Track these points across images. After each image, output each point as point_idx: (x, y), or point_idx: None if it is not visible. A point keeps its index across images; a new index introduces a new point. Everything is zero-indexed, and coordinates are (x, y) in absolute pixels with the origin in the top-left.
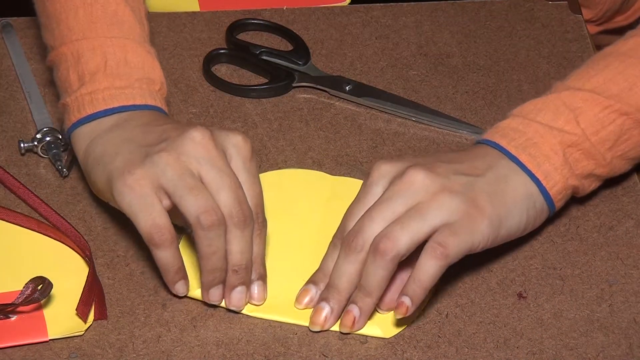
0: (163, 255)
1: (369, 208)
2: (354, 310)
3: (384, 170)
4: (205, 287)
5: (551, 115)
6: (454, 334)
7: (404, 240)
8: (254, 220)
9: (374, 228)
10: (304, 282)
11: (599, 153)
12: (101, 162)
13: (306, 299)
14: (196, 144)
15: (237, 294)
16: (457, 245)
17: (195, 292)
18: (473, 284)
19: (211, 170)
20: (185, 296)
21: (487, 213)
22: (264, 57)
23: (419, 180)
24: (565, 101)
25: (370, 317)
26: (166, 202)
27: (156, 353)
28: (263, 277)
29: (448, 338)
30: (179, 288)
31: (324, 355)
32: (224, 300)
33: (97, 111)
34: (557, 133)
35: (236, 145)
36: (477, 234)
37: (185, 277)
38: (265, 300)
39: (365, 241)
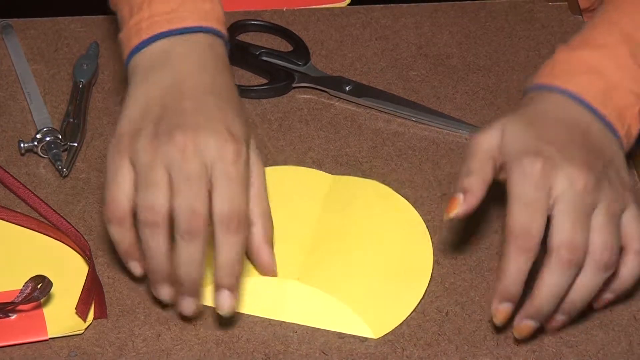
0: (112, 231)
1: (574, 217)
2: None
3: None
4: (151, 282)
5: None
6: (454, 331)
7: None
8: (224, 225)
9: (586, 238)
10: (298, 279)
11: None
12: (122, 108)
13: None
14: (175, 145)
15: (185, 302)
16: None
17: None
18: (473, 282)
19: (178, 174)
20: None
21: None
22: (264, 58)
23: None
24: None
25: (363, 315)
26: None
27: (156, 351)
28: (231, 287)
29: (448, 336)
30: (131, 268)
31: (324, 354)
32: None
33: (141, 41)
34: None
35: (217, 148)
36: None
37: (138, 258)
38: (232, 311)
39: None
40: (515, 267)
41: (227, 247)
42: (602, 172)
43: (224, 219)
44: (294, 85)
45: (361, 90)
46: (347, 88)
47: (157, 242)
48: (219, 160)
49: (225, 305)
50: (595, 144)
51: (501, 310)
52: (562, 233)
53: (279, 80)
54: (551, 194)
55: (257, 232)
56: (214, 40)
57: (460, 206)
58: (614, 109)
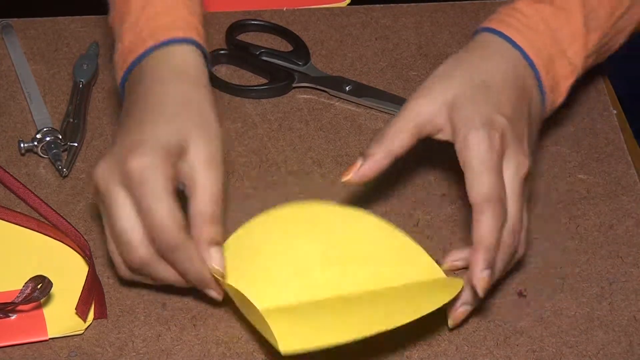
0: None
1: (519, 204)
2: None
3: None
4: None
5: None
6: (454, 332)
7: None
8: (155, 245)
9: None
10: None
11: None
12: None
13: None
14: (97, 180)
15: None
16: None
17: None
18: None
19: (102, 209)
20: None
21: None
22: (264, 58)
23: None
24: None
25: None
26: None
27: (156, 352)
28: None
29: (448, 336)
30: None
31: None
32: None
33: (123, 72)
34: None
35: (137, 169)
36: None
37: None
38: (222, 266)
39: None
40: (496, 233)
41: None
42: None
43: (150, 237)
44: (294, 85)
45: (361, 90)
46: (347, 88)
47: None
48: (127, 178)
49: None
50: (532, 115)
51: (486, 279)
52: (510, 219)
53: (279, 80)
54: None
55: (199, 235)
56: (182, 48)
57: (356, 172)
58: (552, 78)
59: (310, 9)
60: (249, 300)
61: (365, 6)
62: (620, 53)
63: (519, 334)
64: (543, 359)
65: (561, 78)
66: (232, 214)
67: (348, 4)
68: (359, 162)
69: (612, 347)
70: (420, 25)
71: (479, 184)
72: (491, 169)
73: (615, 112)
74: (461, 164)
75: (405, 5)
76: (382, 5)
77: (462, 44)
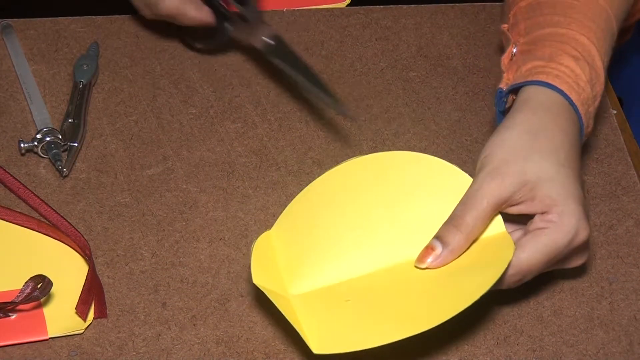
0: None
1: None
2: None
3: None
4: None
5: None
6: (454, 331)
7: None
8: None
9: None
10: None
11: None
12: None
13: None
14: None
15: None
16: None
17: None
18: None
19: None
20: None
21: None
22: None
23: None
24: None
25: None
26: None
27: (156, 351)
28: None
29: (448, 334)
30: None
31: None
32: None
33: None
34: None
35: None
36: None
37: None
38: None
39: None
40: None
41: None
42: None
43: None
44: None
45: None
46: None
47: None
48: None
49: None
50: None
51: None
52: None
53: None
54: None
55: None
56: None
57: (436, 259)
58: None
59: (310, 9)
60: (277, 295)
61: (365, 7)
62: (620, 53)
63: (519, 333)
64: (543, 358)
65: (587, 136)
66: (232, 214)
67: (348, 5)
68: (437, 248)
69: (612, 347)
70: (420, 26)
71: (532, 257)
72: (551, 258)
73: (615, 112)
74: (533, 228)
75: (405, 6)
76: (382, 6)
77: (462, 46)
